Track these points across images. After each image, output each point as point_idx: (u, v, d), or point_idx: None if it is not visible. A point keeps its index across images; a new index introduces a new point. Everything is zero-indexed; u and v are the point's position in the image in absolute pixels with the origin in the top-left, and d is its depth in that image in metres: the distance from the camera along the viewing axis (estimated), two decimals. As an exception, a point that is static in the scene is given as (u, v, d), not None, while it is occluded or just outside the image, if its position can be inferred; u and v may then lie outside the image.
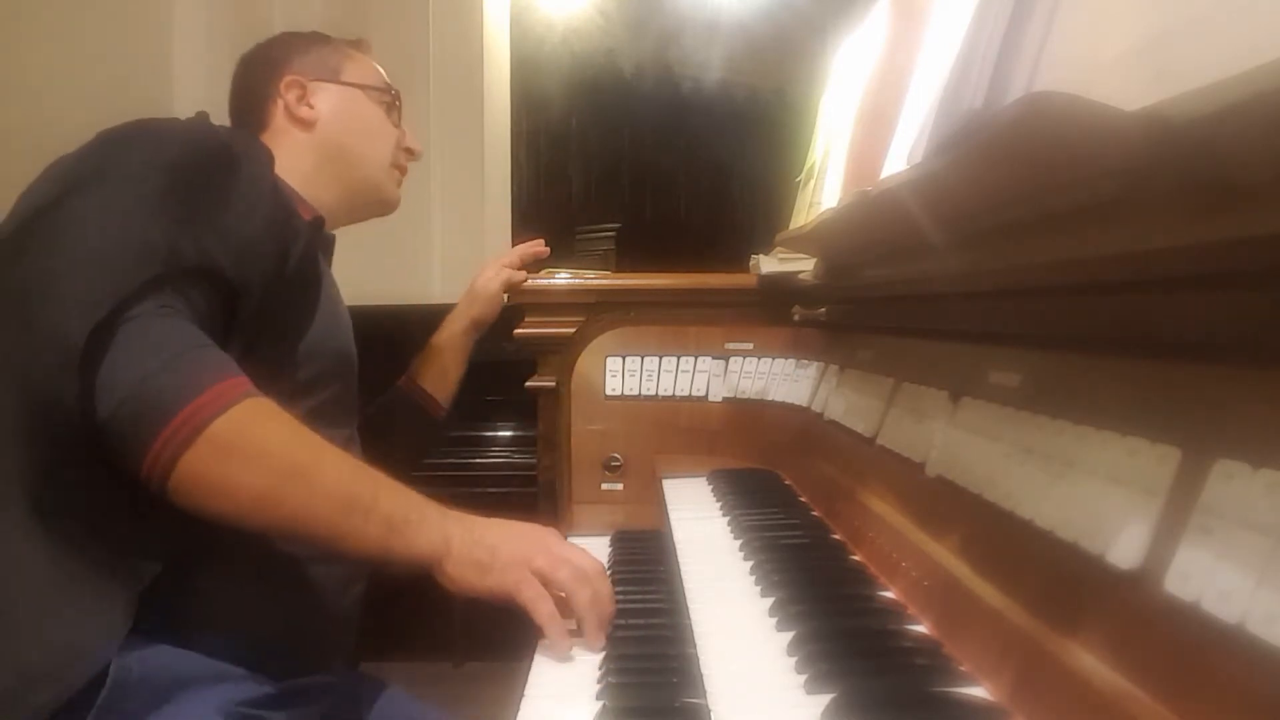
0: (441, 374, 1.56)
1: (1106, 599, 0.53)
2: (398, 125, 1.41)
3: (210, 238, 0.97)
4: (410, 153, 1.43)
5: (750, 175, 4.03)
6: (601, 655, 0.87)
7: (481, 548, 0.91)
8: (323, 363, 1.14)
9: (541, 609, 0.89)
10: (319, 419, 1.01)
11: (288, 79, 1.32)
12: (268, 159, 1.17)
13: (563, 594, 0.90)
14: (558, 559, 0.91)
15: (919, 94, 0.86)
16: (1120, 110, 0.46)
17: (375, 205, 1.41)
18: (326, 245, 1.34)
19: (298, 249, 1.09)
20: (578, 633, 0.90)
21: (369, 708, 1.16)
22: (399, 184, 1.43)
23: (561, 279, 1.75)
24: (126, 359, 0.87)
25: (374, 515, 0.90)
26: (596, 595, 0.91)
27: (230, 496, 0.88)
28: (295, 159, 1.28)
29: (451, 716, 1.20)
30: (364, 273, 3.82)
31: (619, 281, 1.80)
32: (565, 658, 0.87)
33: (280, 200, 1.12)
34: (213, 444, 0.86)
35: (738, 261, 1.74)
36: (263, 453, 0.89)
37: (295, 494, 0.89)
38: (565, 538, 0.98)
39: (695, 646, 0.81)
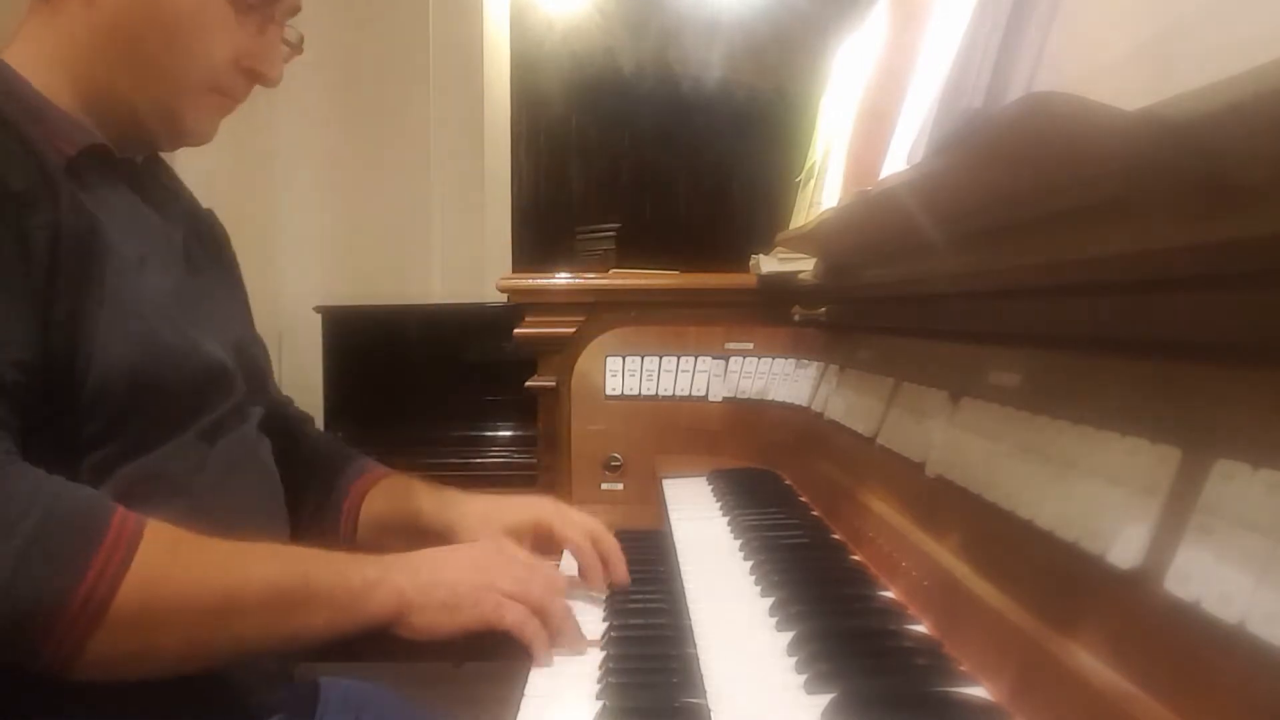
0: (384, 532, 1.12)
1: (1106, 599, 0.53)
2: (252, 24, 0.95)
3: None
4: (255, 74, 0.97)
5: (750, 175, 4.03)
6: (602, 655, 0.87)
7: (440, 588, 0.84)
8: (144, 379, 0.83)
9: (528, 628, 0.84)
10: (191, 469, 0.86)
11: None
12: None
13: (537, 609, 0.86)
14: (521, 579, 0.86)
15: (919, 94, 0.86)
16: (1120, 110, 0.46)
17: (166, 135, 0.97)
18: (129, 180, 0.95)
19: (43, 221, 0.79)
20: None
21: (351, 712, 1.13)
22: (221, 113, 0.98)
23: (561, 279, 1.75)
24: None
25: (315, 604, 0.80)
26: (564, 610, 0.87)
27: (152, 661, 0.76)
28: (66, 46, 0.91)
29: (442, 715, 1.18)
30: (364, 273, 3.84)
31: (619, 281, 1.80)
32: (550, 664, 0.84)
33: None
34: (118, 622, 0.72)
35: (738, 261, 1.74)
36: (178, 604, 0.76)
37: (224, 628, 0.78)
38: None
39: (695, 646, 0.81)
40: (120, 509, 0.76)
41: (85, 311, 0.80)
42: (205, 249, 1.04)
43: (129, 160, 0.96)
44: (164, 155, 1.08)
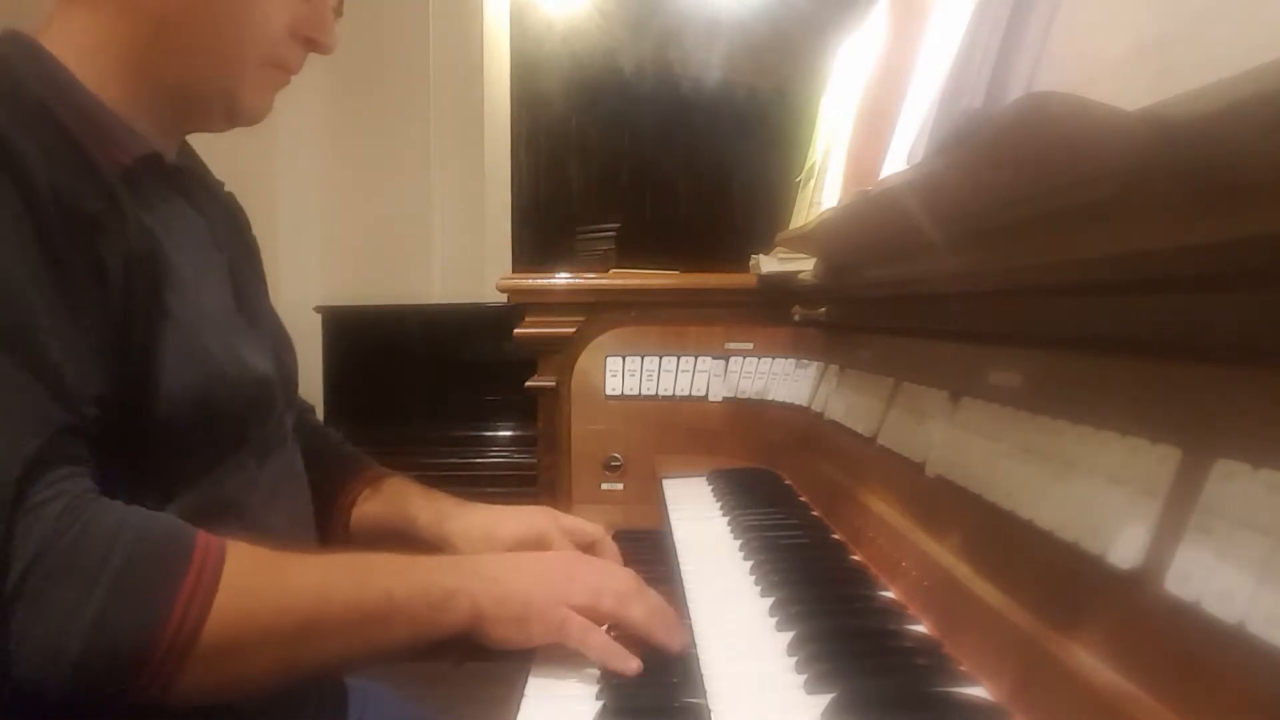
0: (376, 536, 1.11)
1: (1106, 599, 0.53)
2: None
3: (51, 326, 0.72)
4: (310, 42, 0.94)
5: (750, 175, 4.03)
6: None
7: (513, 601, 0.82)
8: (206, 405, 0.82)
9: (592, 643, 0.82)
10: (245, 492, 0.86)
11: None
12: (43, 86, 0.80)
13: (612, 622, 0.85)
14: (594, 590, 0.85)
15: (919, 94, 0.86)
16: (1120, 110, 0.46)
17: (223, 116, 0.93)
18: (177, 186, 0.92)
19: (114, 244, 0.77)
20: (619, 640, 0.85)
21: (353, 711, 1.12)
22: (278, 87, 0.95)
23: (561, 279, 1.75)
24: (50, 608, 0.68)
25: (396, 618, 0.80)
26: (649, 609, 0.85)
27: (242, 686, 0.76)
28: (112, 34, 0.85)
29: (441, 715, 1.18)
30: (364, 273, 3.84)
31: (619, 281, 1.80)
32: (636, 668, 0.81)
33: (71, 176, 0.76)
34: (208, 651, 0.72)
35: (738, 261, 1.74)
36: (264, 634, 0.76)
37: (312, 648, 0.78)
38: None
39: (695, 646, 0.81)
40: (201, 534, 0.75)
41: (155, 338, 0.79)
42: (241, 244, 1.03)
43: (176, 166, 0.94)
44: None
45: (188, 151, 1.02)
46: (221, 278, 0.93)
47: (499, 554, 0.92)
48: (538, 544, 1.05)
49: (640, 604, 0.85)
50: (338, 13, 0.97)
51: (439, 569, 0.84)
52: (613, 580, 0.88)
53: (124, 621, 0.69)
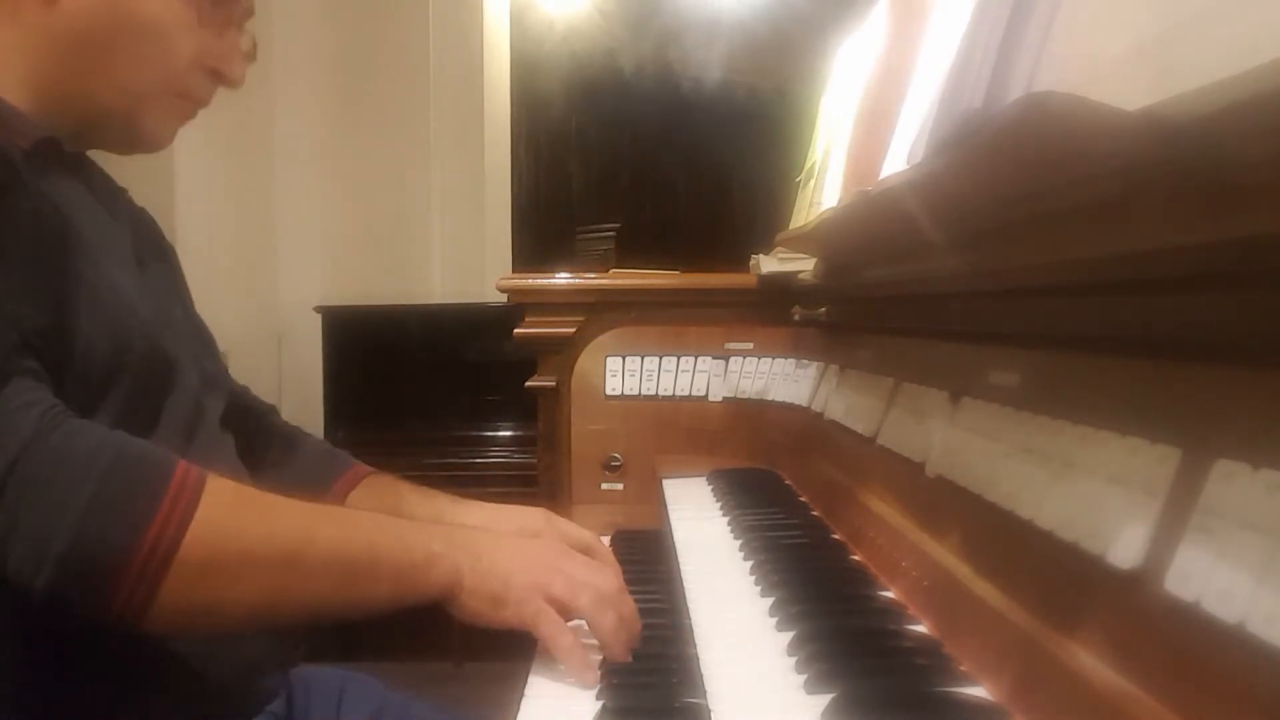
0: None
1: (1106, 599, 0.53)
2: (213, 27, 0.93)
3: None
4: (219, 76, 0.95)
5: (750, 175, 4.03)
6: (601, 656, 0.87)
7: (494, 578, 0.83)
8: (110, 369, 0.82)
9: (561, 643, 0.82)
10: None
11: None
12: None
13: (583, 620, 0.85)
14: (576, 584, 0.85)
15: (919, 94, 0.86)
16: (1120, 110, 0.46)
17: (124, 140, 0.96)
18: (77, 173, 0.93)
19: (22, 206, 0.79)
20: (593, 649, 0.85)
21: (345, 704, 1.12)
22: (183, 117, 0.96)
23: (561, 279, 1.75)
24: (34, 507, 0.69)
25: (380, 572, 0.81)
26: (621, 619, 0.85)
27: (221, 615, 0.77)
28: (23, 50, 0.88)
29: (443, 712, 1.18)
30: (364, 273, 3.84)
31: (619, 281, 1.80)
32: (594, 684, 0.81)
33: None
34: (187, 569, 0.72)
35: (738, 261, 1.74)
36: (246, 556, 0.76)
37: (293, 586, 0.78)
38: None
39: (695, 646, 0.81)
40: (183, 461, 0.76)
41: (68, 296, 0.79)
42: (148, 243, 1.03)
43: (78, 155, 0.94)
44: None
45: (94, 166, 1.01)
46: (127, 256, 0.92)
47: (489, 531, 0.91)
48: None
49: (611, 615, 0.85)
50: (250, 56, 0.99)
51: (426, 532, 0.85)
52: (595, 578, 0.87)
53: (103, 531, 0.70)
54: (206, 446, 0.94)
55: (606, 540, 1.37)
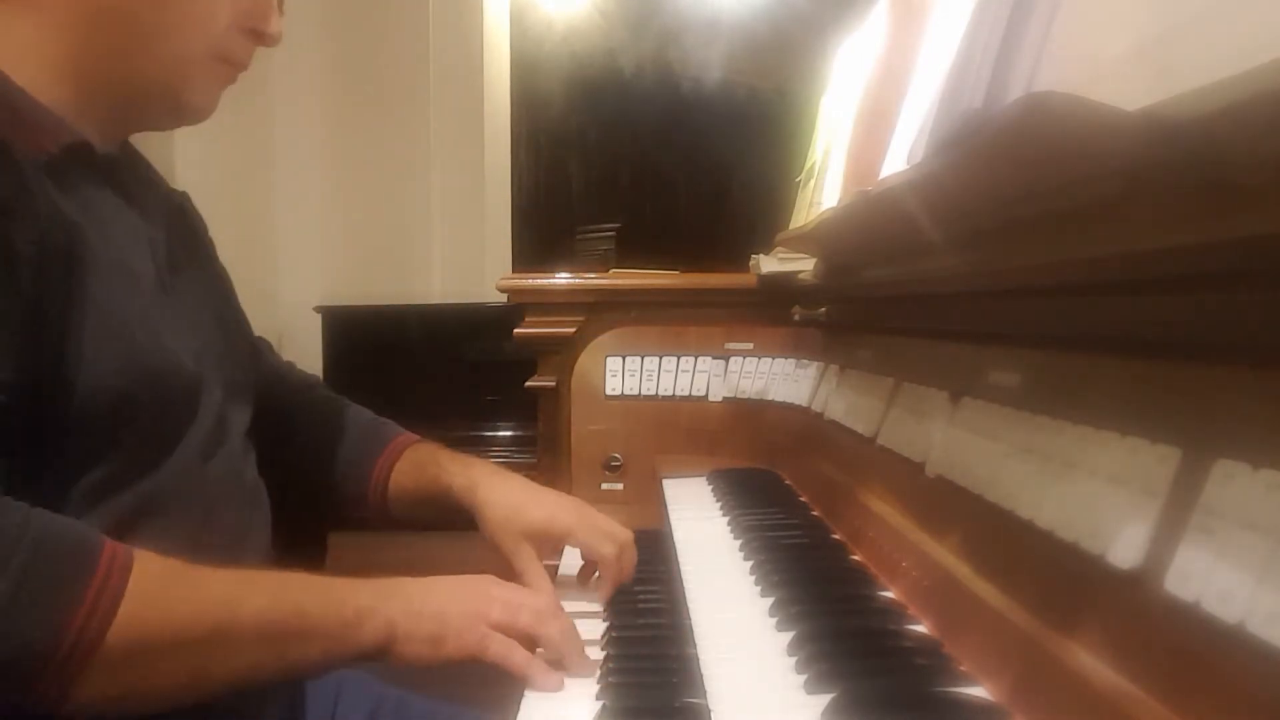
0: (414, 505, 1.14)
1: (1106, 599, 0.53)
2: None
3: None
4: (258, 35, 0.92)
5: (750, 175, 4.03)
6: (602, 655, 0.87)
7: (427, 619, 0.82)
8: (120, 402, 0.79)
9: (515, 659, 0.82)
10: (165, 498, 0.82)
11: None
12: None
13: (527, 638, 0.84)
14: (512, 605, 0.85)
15: (919, 94, 0.86)
16: (1120, 110, 0.46)
17: (169, 114, 0.92)
18: (109, 178, 0.89)
19: (27, 231, 0.74)
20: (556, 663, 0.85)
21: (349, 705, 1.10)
22: (225, 82, 0.93)
23: (561, 279, 1.75)
24: None
25: (310, 635, 0.79)
26: (563, 629, 0.85)
27: (146, 698, 0.74)
28: (51, 33, 0.84)
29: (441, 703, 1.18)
30: (364, 273, 3.84)
31: (619, 281, 1.80)
32: (558, 686, 0.82)
33: None
34: (110, 659, 0.69)
35: (738, 261, 1.74)
36: (171, 640, 0.73)
37: (220, 662, 0.76)
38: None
39: (695, 646, 0.81)
40: (109, 542, 0.73)
41: (71, 327, 0.77)
42: (184, 242, 1.01)
43: (110, 156, 0.91)
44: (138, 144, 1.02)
45: (130, 151, 0.99)
46: (150, 272, 0.90)
47: (417, 578, 0.91)
48: (557, 538, 1.05)
49: (555, 626, 0.85)
50: (279, 7, 0.96)
51: (354, 589, 0.83)
52: (530, 598, 0.88)
53: (22, 626, 0.67)
54: (224, 466, 0.93)
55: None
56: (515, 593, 0.89)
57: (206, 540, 0.85)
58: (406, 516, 1.13)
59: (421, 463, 1.13)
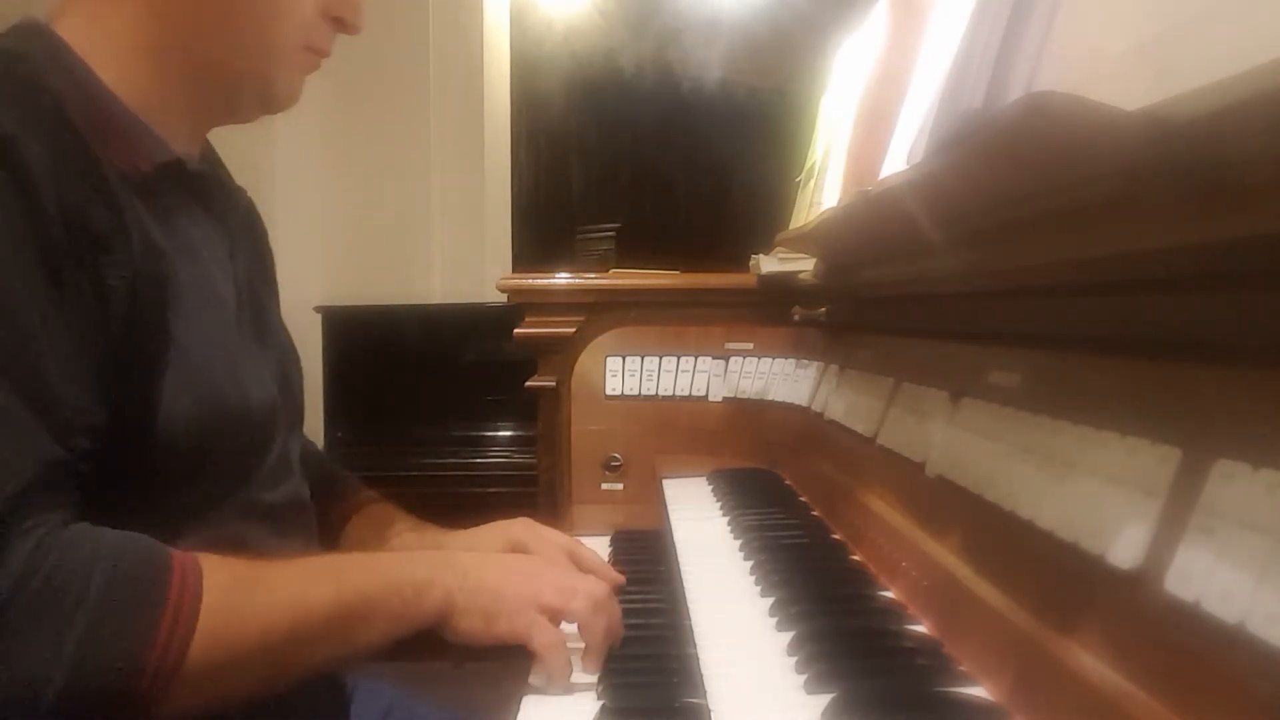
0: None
1: (1106, 599, 0.53)
2: None
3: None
4: (341, 24, 0.91)
5: (750, 175, 4.03)
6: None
7: (484, 594, 0.83)
8: (207, 434, 0.80)
9: (554, 659, 0.82)
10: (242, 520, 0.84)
11: None
12: (63, 85, 0.77)
13: (574, 624, 0.85)
14: (567, 590, 0.85)
15: (919, 94, 0.86)
16: (1120, 110, 0.46)
17: (257, 103, 0.92)
18: (197, 194, 0.90)
19: (120, 267, 0.75)
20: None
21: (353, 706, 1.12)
22: (310, 70, 0.93)
23: (561, 279, 1.75)
24: (38, 629, 0.66)
25: (375, 616, 0.80)
26: (610, 623, 0.86)
27: (229, 698, 0.75)
28: (140, 24, 0.83)
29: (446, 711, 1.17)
30: (364, 273, 3.84)
31: (619, 281, 1.80)
32: (565, 690, 0.83)
33: (83, 189, 0.74)
34: (195, 670, 0.70)
35: (738, 261, 1.74)
36: (249, 653, 0.75)
37: (296, 655, 0.78)
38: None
39: (695, 646, 0.81)
40: (177, 555, 0.73)
41: (157, 363, 0.77)
42: (256, 252, 1.01)
43: (200, 174, 0.91)
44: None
45: (210, 154, 0.99)
46: (230, 294, 0.90)
47: (473, 551, 0.91)
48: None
49: (603, 620, 0.85)
50: (351, 28, 0.95)
51: (411, 564, 0.85)
52: (584, 584, 0.88)
53: (106, 654, 0.67)
54: (287, 492, 0.93)
55: (606, 540, 1.37)
56: (569, 576, 0.89)
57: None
58: None
59: (375, 523, 1.10)
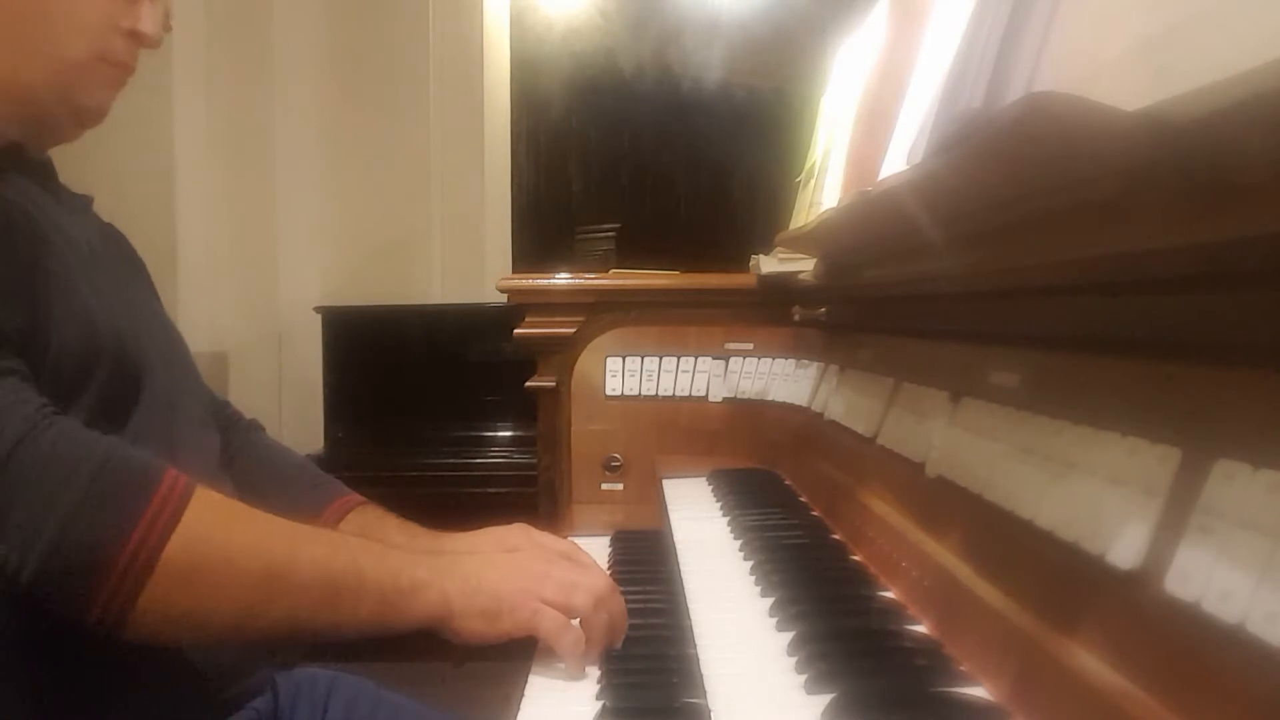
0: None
1: (1106, 599, 0.53)
2: None
3: None
4: (137, 35, 0.95)
5: (750, 175, 4.03)
6: (602, 655, 0.87)
7: (484, 595, 0.83)
8: (81, 370, 0.83)
9: (564, 640, 0.83)
10: None
11: None
12: None
13: (576, 619, 0.86)
14: (567, 585, 0.86)
15: (919, 94, 0.86)
16: (1120, 110, 0.46)
17: (66, 116, 0.95)
18: (43, 182, 0.94)
19: None
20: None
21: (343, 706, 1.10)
22: (115, 85, 0.96)
23: (561, 279, 1.75)
24: (23, 505, 0.71)
25: (364, 594, 0.81)
26: (613, 618, 0.87)
27: (202, 624, 0.77)
28: None
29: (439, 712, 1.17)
30: (364, 273, 3.84)
31: (619, 281, 1.80)
32: (583, 675, 0.84)
33: None
34: (170, 575, 0.73)
35: (738, 261, 1.74)
36: (229, 565, 0.77)
37: (275, 600, 0.78)
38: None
39: (695, 646, 0.81)
40: (171, 469, 0.77)
41: (40, 295, 0.81)
42: (119, 249, 1.04)
43: (44, 161, 0.95)
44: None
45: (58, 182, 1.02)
46: (95, 259, 0.93)
47: (472, 553, 0.92)
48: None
49: (605, 614, 0.86)
50: (165, 26, 0.99)
51: (412, 561, 0.85)
52: (585, 578, 0.88)
53: (88, 531, 0.71)
54: (180, 445, 0.94)
55: (605, 540, 1.37)
56: (570, 570, 0.89)
57: None
58: None
59: (366, 527, 1.10)
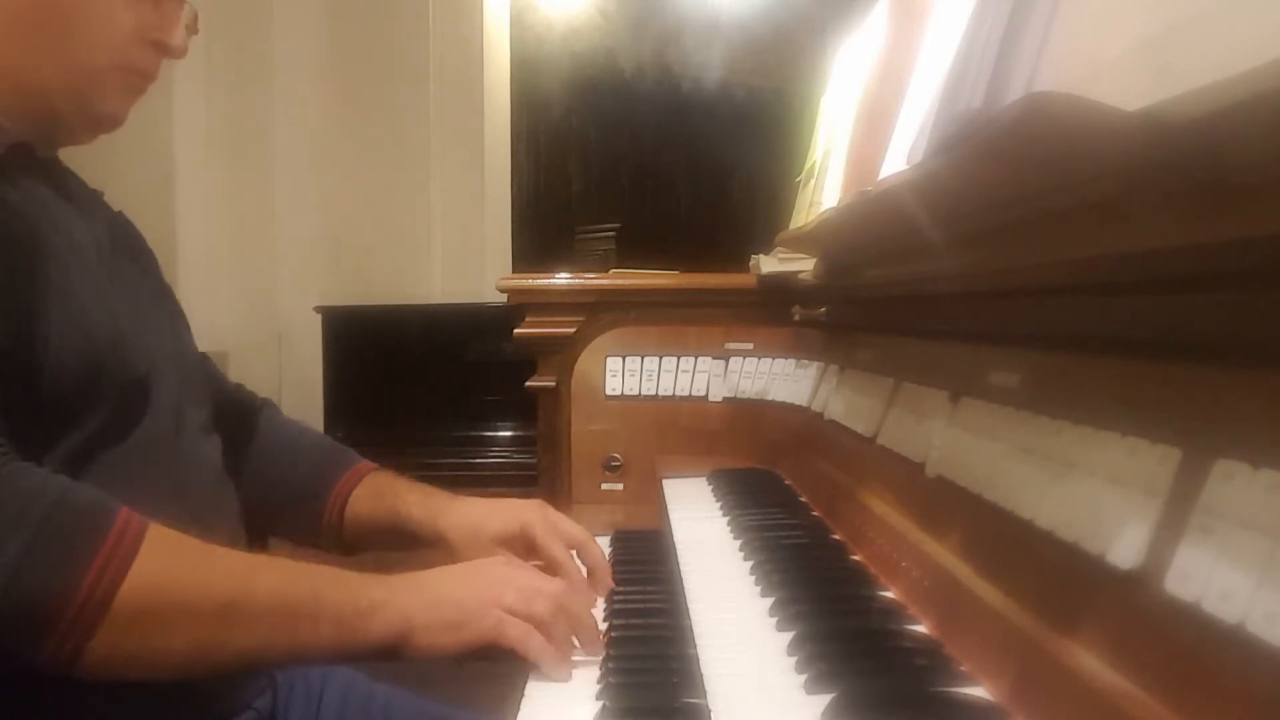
0: (371, 533, 1.13)
1: (1106, 599, 0.53)
2: (147, 1, 0.93)
3: None
4: (163, 46, 0.95)
5: (750, 175, 4.03)
6: (602, 655, 0.87)
7: (446, 605, 0.83)
8: (83, 383, 0.82)
9: (531, 644, 0.82)
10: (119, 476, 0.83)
11: None
12: None
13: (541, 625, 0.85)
14: (528, 591, 0.85)
15: (919, 94, 0.86)
16: (1120, 110, 0.46)
17: (82, 123, 0.95)
18: (51, 180, 0.93)
19: None
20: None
21: (343, 702, 1.10)
22: (134, 93, 0.96)
23: (561, 279, 1.75)
24: None
25: (322, 618, 0.80)
26: (573, 626, 0.86)
27: (157, 663, 0.76)
28: None
29: (438, 703, 1.18)
30: (364, 273, 3.84)
31: (619, 281, 1.80)
32: (567, 677, 0.83)
33: None
34: (122, 618, 0.72)
35: (738, 261, 1.74)
36: (183, 605, 0.75)
37: (232, 633, 0.77)
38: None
39: (695, 646, 0.81)
40: (125, 510, 0.75)
41: (38, 307, 0.80)
42: (129, 246, 1.03)
43: (51, 159, 0.95)
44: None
45: (70, 173, 1.01)
46: (101, 262, 0.92)
47: (437, 569, 0.91)
48: (521, 540, 1.05)
49: (564, 621, 0.86)
50: (193, 29, 0.99)
51: (368, 582, 0.84)
52: (545, 584, 0.88)
53: (38, 576, 0.70)
54: (186, 456, 0.94)
55: (606, 540, 1.37)
56: (531, 577, 0.89)
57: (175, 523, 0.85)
58: (361, 544, 1.13)
59: (380, 491, 1.12)
